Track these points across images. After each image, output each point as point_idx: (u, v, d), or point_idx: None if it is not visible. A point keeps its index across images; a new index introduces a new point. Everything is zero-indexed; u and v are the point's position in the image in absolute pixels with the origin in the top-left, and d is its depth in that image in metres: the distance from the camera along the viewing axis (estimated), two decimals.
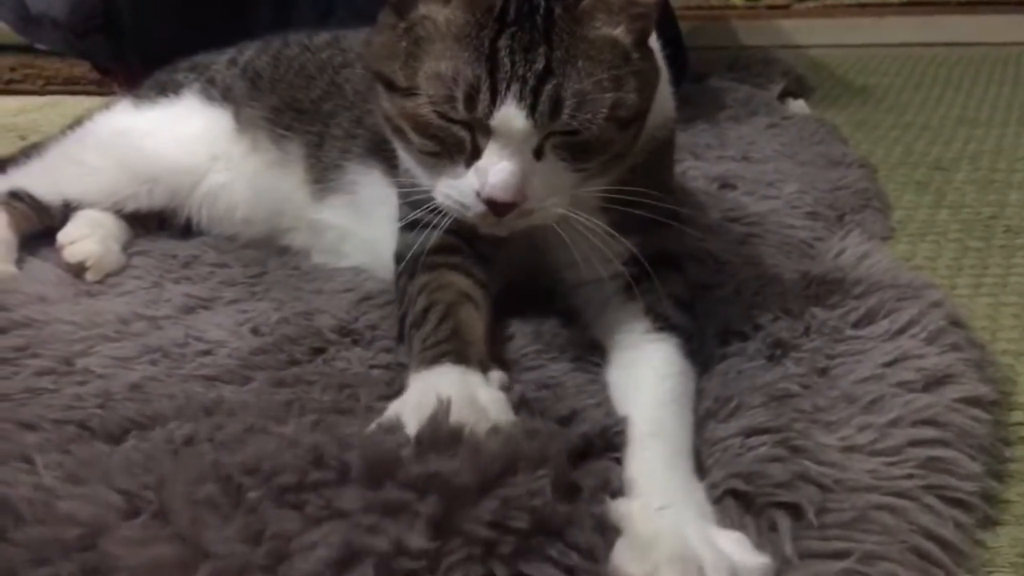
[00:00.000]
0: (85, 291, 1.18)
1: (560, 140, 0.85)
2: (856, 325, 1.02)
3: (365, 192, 1.19)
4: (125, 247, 1.28)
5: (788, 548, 0.72)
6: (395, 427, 0.78)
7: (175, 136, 1.31)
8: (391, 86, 0.89)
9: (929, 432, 0.85)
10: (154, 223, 1.34)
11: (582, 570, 0.69)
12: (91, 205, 1.30)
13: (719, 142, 1.73)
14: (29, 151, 1.42)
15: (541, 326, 1.04)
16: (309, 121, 1.27)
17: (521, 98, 0.82)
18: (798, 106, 2.05)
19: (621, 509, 0.74)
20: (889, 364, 0.94)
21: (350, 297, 1.15)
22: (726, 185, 1.49)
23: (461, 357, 0.86)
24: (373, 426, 0.81)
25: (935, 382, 0.91)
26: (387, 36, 0.90)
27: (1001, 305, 1.19)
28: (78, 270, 1.21)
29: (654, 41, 1.00)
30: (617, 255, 0.94)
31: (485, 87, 0.82)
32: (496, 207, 0.85)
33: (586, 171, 0.88)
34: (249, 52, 1.37)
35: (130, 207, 1.31)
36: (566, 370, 0.97)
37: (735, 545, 0.72)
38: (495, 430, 0.78)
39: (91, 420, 0.87)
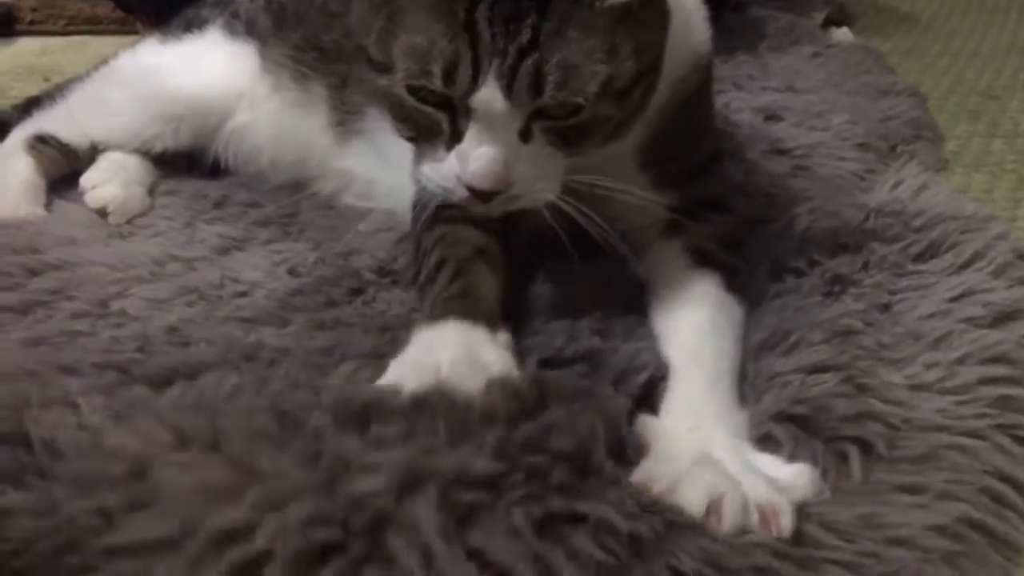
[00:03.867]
0: (117, 233, 1.15)
1: (549, 124, 0.77)
2: (918, 259, 0.98)
3: (390, 138, 1.14)
4: (151, 189, 1.25)
5: (857, 476, 0.71)
6: (396, 390, 0.74)
7: (199, 73, 1.26)
8: (368, 60, 0.80)
9: (999, 370, 0.82)
10: (183, 164, 1.30)
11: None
12: (117, 147, 1.26)
13: (761, 72, 1.67)
14: (54, 93, 1.37)
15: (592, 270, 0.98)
16: (332, 61, 1.21)
17: (500, 76, 0.73)
18: (842, 34, 1.98)
19: (650, 426, 0.72)
20: (955, 299, 0.90)
21: (388, 236, 1.11)
22: (772, 116, 1.44)
23: (468, 313, 0.81)
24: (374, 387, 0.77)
25: (1004, 317, 0.88)
26: (366, 4, 0.80)
27: None
28: (101, 214, 1.18)
29: None
30: (659, 205, 0.91)
31: (466, 61, 0.73)
32: (478, 194, 0.79)
33: (581, 153, 0.81)
34: None
35: (157, 148, 1.27)
36: (619, 312, 0.92)
37: (771, 463, 0.70)
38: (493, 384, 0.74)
39: (131, 365, 0.85)
